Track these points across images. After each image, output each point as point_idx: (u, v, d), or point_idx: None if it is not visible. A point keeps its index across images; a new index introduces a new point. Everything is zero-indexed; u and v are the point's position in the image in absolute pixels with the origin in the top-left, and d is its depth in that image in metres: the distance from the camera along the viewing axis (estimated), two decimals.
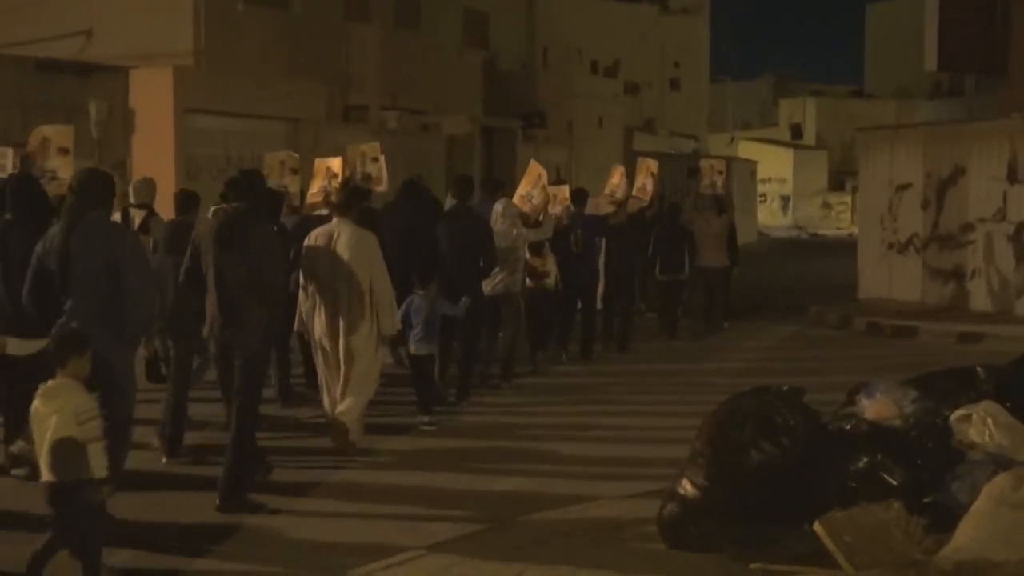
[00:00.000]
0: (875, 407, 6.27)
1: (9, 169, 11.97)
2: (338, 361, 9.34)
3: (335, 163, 12.91)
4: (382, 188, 13.30)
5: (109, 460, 5.88)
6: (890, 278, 20.38)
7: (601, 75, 42.91)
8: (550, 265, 13.21)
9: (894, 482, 5.74)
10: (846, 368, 13.04)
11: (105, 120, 19.41)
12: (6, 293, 8.01)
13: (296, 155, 13.61)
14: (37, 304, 7.16)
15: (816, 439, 5.97)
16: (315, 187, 12.71)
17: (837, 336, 17.47)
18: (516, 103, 33.85)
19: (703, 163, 18.60)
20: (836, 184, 62.11)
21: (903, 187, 20.29)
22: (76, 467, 5.59)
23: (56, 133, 11.50)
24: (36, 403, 5.77)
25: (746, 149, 57.51)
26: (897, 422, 6.13)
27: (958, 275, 19.09)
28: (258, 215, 8.05)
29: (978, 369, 6.56)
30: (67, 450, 5.58)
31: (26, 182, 8.70)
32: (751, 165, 45.45)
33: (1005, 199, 18.20)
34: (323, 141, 23.62)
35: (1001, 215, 18.28)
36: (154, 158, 20.16)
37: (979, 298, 18.60)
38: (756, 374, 12.48)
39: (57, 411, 5.63)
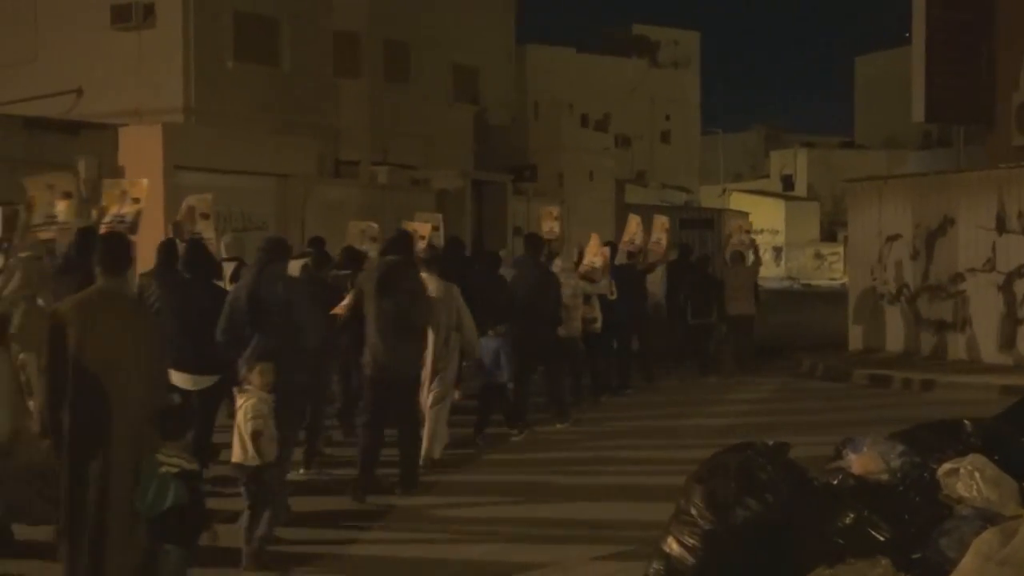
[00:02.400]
0: (862, 461, 6.18)
1: None
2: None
3: (423, 228, 14.21)
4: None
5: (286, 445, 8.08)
6: (881, 329, 20.33)
7: (591, 128, 43.11)
8: (596, 312, 14.73)
9: (881, 538, 5.64)
10: (835, 420, 13.01)
11: (94, 177, 19.35)
12: (186, 339, 9.59)
13: (375, 225, 15.05)
14: (229, 341, 8.68)
15: (801, 495, 5.89)
16: None
17: (827, 388, 17.42)
18: (506, 157, 33.92)
19: (732, 223, 20.85)
20: (828, 234, 62.27)
21: (892, 238, 20.30)
22: (261, 453, 7.45)
23: (199, 201, 13.31)
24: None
25: (738, 200, 57.76)
26: (884, 476, 6.03)
27: (948, 325, 19.06)
28: (410, 266, 10.12)
29: (965, 422, 6.46)
30: (253, 440, 7.43)
31: (197, 247, 10.42)
32: (743, 216, 45.55)
33: (994, 249, 18.22)
34: (314, 197, 23.63)
35: (991, 265, 18.28)
36: (143, 214, 20.09)
37: (970, 348, 18.55)
38: (744, 427, 12.45)
39: (240, 410, 7.58)
